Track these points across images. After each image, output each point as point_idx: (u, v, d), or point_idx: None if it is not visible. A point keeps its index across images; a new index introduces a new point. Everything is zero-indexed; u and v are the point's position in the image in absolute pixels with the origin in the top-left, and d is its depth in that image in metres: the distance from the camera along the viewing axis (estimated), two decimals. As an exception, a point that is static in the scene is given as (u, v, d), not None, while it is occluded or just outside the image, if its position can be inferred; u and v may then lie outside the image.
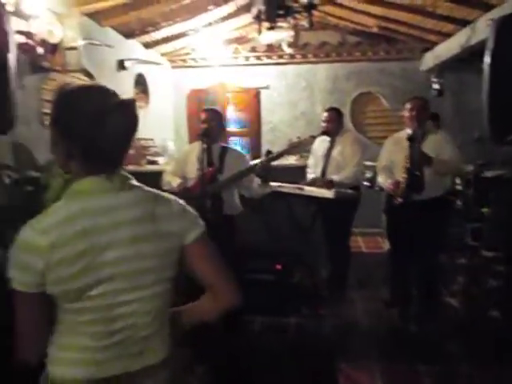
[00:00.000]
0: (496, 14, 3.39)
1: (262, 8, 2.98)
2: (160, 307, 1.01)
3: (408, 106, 3.10)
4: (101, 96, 0.95)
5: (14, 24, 2.52)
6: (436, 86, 5.00)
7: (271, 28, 3.10)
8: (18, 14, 2.60)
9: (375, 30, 5.21)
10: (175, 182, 2.70)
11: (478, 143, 3.77)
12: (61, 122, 0.94)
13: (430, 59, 5.26)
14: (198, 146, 2.63)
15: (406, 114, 3.11)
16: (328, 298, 3.38)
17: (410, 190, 2.86)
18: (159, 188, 1.07)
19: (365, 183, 4.18)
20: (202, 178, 2.45)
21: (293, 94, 5.97)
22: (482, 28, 3.74)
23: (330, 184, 3.35)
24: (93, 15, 3.82)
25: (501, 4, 3.51)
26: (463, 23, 4.19)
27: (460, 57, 4.52)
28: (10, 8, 2.42)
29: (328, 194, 3.14)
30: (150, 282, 0.96)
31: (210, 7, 4.51)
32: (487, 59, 2.24)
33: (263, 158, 2.62)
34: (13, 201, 2.36)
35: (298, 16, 3.99)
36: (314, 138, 3.70)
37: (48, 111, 3.28)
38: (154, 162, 4.46)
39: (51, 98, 3.37)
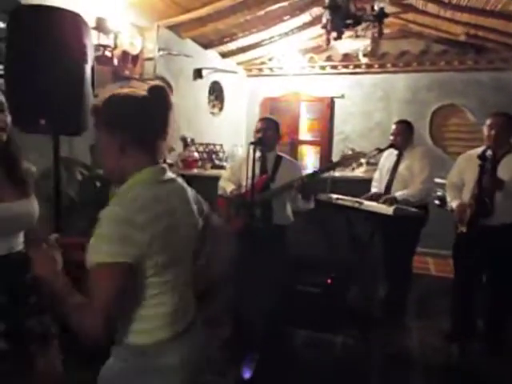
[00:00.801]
0: None
1: (329, 18, 2.95)
2: (191, 272, 1.23)
3: (488, 122, 2.84)
4: (138, 94, 1.10)
5: (97, 38, 2.81)
6: (530, 100, 4.48)
7: (337, 38, 3.04)
8: (101, 28, 2.88)
9: (463, 38, 4.84)
10: (229, 187, 2.78)
11: None
12: (112, 120, 1.07)
13: (525, 69, 4.75)
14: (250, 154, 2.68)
15: (485, 131, 2.85)
16: (381, 322, 3.20)
17: (477, 218, 2.61)
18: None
19: (435, 202, 3.89)
20: (252, 185, 2.48)
21: (368, 104, 5.79)
22: None
23: (392, 201, 3.19)
24: (173, 28, 4.10)
25: None
26: None
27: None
28: (93, 24, 2.71)
29: (387, 210, 2.98)
30: (191, 251, 1.21)
31: (285, 17, 4.57)
32: None
33: (307, 172, 2.59)
34: (83, 195, 2.62)
35: (375, 24, 3.87)
36: (380, 150, 3.57)
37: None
38: (221, 167, 4.61)
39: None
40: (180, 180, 1.20)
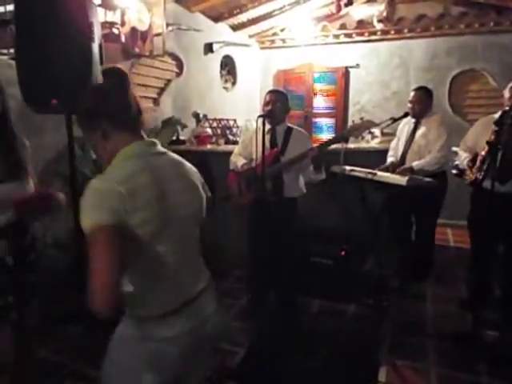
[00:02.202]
0: None
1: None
2: (198, 245, 1.28)
3: (510, 84, 2.73)
4: (106, 77, 1.22)
5: (103, 15, 2.81)
6: (555, 61, 4.26)
7: (348, 4, 2.94)
8: (107, 5, 2.88)
9: (483, -2, 4.62)
10: (240, 162, 2.80)
11: None
12: (86, 116, 1.14)
13: (551, 29, 4.50)
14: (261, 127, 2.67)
15: (507, 94, 2.75)
16: (396, 291, 3.22)
17: (493, 175, 2.53)
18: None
19: (453, 171, 3.80)
20: (262, 159, 2.48)
21: (384, 72, 5.62)
22: None
23: (408, 171, 3.15)
24: (182, 1, 4.04)
25: None
26: None
27: None
28: (98, 1, 2.70)
29: (401, 180, 2.94)
30: (195, 224, 1.24)
31: (295, -15, 4.44)
32: None
33: (316, 145, 2.57)
34: (98, 173, 2.68)
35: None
36: (394, 120, 3.49)
37: (138, 94, 3.61)
38: (235, 142, 4.61)
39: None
40: (172, 154, 1.23)
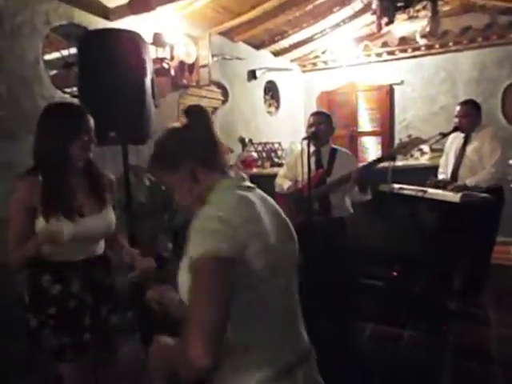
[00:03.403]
0: None
1: (378, 3, 2.88)
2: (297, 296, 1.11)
3: None
4: (176, 125, 1.11)
5: (154, 52, 3.01)
6: None
7: (389, 23, 2.96)
8: (158, 42, 3.08)
9: (533, 5, 4.44)
10: (286, 184, 2.83)
11: None
12: (171, 160, 1.06)
13: None
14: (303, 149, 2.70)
15: None
16: (457, 315, 3.05)
17: None
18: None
19: (511, 185, 3.61)
20: (309, 180, 2.50)
21: (430, 87, 5.50)
22: None
23: (461, 188, 3.02)
24: (225, 33, 4.24)
25: None
26: None
27: None
28: (150, 39, 2.91)
29: (454, 198, 2.84)
30: (292, 268, 1.07)
31: (334, 9, 4.52)
32: None
33: (362, 165, 2.55)
34: (152, 199, 2.83)
35: (427, 4, 3.70)
36: (444, 135, 3.40)
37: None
38: (280, 165, 4.67)
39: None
40: (258, 190, 1.12)
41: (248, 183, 1.09)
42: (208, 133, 1.08)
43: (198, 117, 1.09)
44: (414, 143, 2.52)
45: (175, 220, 2.78)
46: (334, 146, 2.82)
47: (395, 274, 3.04)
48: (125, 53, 2.24)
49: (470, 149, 3.25)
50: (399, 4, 2.87)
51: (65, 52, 2.94)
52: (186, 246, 0.95)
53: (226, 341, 0.86)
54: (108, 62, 2.19)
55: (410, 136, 2.99)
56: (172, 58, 3.36)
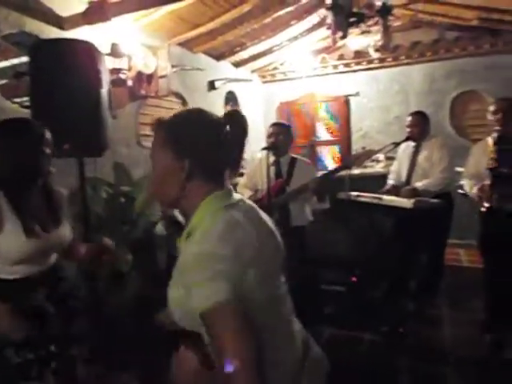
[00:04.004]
0: None
1: (333, 18, 2.99)
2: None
3: (492, 108, 2.82)
4: (216, 117, 1.01)
5: (111, 62, 2.97)
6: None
7: (343, 37, 3.08)
8: (115, 53, 3.04)
9: (475, 22, 4.74)
10: (246, 194, 2.85)
11: None
12: (184, 142, 0.95)
13: (545, 48, 4.60)
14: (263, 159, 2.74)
15: (490, 117, 2.83)
16: (412, 316, 3.17)
17: (500, 196, 2.57)
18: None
19: (459, 191, 3.82)
20: (268, 190, 2.54)
21: (385, 98, 5.74)
22: None
23: (413, 192, 3.18)
24: (185, 44, 4.25)
25: None
26: None
27: None
28: (106, 50, 2.87)
29: (407, 203, 2.98)
30: (282, 278, 1.06)
31: (292, 22, 4.64)
32: None
33: (319, 175, 2.63)
34: (109, 212, 2.76)
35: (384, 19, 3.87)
36: (396, 144, 3.56)
37: (145, 133, 3.73)
38: (241, 175, 4.70)
39: (151, 121, 3.85)
40: (245, 200, 1.06)
41: (236, 196, 1.01)
42: (237, 145, 1.00)
43: (237, 124, 1.01)
44: (367, 154, 2.63)
45: (135, 232, 2.73)
46: (293, 155, 2.88)
47: (355, 279, 3.12)
48: (79, 63, 2.19)
49: (421, 157, 3.42)
50: (352, 19, 2.99)
51: (15, 61, 2.84)
52: (177, 262, 0.94)
53: None
54: (61, 72, 2.14)
55: (364, 148, 3.12)
56: (130, 69, 3.32)
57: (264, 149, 2.55)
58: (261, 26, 4.43)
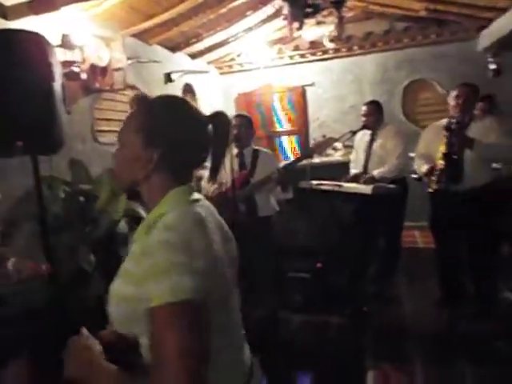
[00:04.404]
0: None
1: (289, 9, 3.01)
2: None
3: (454, 93, 2.94)
4: (195, 110, 0.97)
5: (63, 55, 2.84)
6: (493, 66, 4.63)
7: (300, 28, 3.12)
8: (66, 45, 2.90)
9: (423, 13, 4.94)
10: (211, 187, 2.84)
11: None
12: (157, 132, 0.91)
13: (486, 38, 4.87)
14: (229, 152, 2.74)
15: (452, 101, 2.96)
16: (374, 297, 3.32)
17: (447, 178, 2.73)
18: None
19: (413, 176, 4.01)
20: (233, 182, 2.55)
21: (340, 88, 5.88)
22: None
23: (371, 180, 3.30)
24: (139, 35, 4.11)
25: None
26: (519, -5, 3.85)
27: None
28: (57, 41, 2.73)
29: (366, 189, 3.09)
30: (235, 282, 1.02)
31: (248, 12, 4.62)
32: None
33: (282, 164, 2.67)
34: (68, 211, 2.66)
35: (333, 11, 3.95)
36: (353, 133, 3.67)
37: (101, 128, 3.60)
38: (202, 168, 4.66)
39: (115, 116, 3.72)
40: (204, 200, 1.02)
41: (196, 195, 0.98)
42: (220, 145, 0.99)
43: (221, 126, 0.99)
44: (327, 143, 2.69)
45: (97, 231, 2.64)
46: (255, 147, 2.90)
47: (319, 265, 3.21)
48: (28, 55, 2.07)
49: (376, 145, 3.55)
50: (308, 10, 3.03)
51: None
52: (125, 255, 0.90)
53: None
54: (9, 66, 2.01)
55: (324, 136, 3.19)
56: (82, 61, 3.18)
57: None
58: (217, 17, 4.38)
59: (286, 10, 3.22)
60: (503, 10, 4.26)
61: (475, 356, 2.45)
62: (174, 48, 4.83)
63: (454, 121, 2.84)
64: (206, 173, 3.10)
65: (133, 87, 3.97)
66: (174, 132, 0.92)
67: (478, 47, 5.12)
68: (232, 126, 2.71)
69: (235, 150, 2.71)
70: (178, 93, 5.05)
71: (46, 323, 2.28)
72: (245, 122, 2.80)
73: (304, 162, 2.92)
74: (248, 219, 2.69)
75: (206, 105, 5.65)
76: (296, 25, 3.14)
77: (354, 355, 2.46)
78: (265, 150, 2.94)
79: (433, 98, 5.50)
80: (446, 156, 2.74)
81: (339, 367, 2.25)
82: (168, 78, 4.64)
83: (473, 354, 2.47)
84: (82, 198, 2.72)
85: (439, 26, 5.23)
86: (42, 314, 2.18)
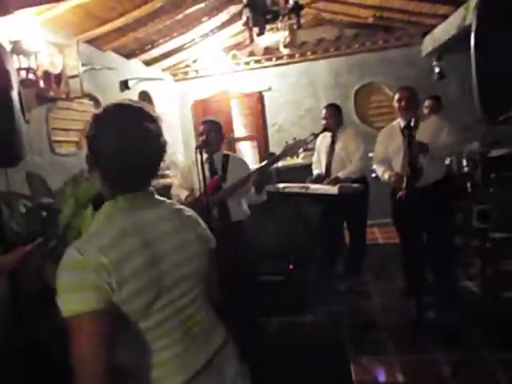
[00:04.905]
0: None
1: (250, 15, 3.05)
2: (206, 302, 1.11)
3: (396, 96, 3.11)
4: (128, 115, 1.00)
5: (16, 61, 2.68)
6: (437, 70, 4.95)
7: (260, 34, 3.16)
8: (18, 51, 2.74)
9: (371, 20, 5.19)
10: (183, 194, 2.80)
11: (480, 124, 3.73)
12: (94, 144, 0.97)
13: (429, 43, 5.21)
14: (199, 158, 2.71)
15: (396, 104, 3.11)
16: (344, 294, 3.41)
17: (413, 183, 2.88)
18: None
19: (372, 175, 4.18)
20: (205, 188, 2.52)
21: (296, 93, 6.01)
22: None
23: (336, 181, 3.39)
24: (93, 41, 3.98)
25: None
26: (458, 3, 4.14)
27: (460, 37, 4.46)
28: (9, 47, 2.58)
29: (332, 190, 3.18)
30: (198, 282, 1.07)
31: (203, 19, 4.62)
32: (472, 40, 2.24)
33: (257, 166, 2.69)
34: (29, 227, 2.50)
35: (291, 16, 4.04)
36: (315, 135, 3.75)
37: (59, 139, 3.42)
38: (164, 176, 4.57)
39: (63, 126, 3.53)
40: (169, 204, 1.08)
41: (151, 200, 1.03)
42: (140, 148, 0.99)
43: (130, 117, 0.99)
44: (298, 145, 2.74)
45: (62, 247, 2.50)
46: (225, 152, 2.89)
47: (291, 267, 3.25)
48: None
49: (338, 147, 3.66)
50: (268, 16, 3.08)
51: None
52: None
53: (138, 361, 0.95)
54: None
55: (294, 139, 3.25)
56: (37, 68, 3.01)
57: (197, 147, 2.52)
58: (172, 23, 4.34)
59: (245, 16, 3.25)
60: (444, 17, 4.57)
61: (444, 342, 2.59)
62: (128, 55, 4.72)
63: (403, 125, 2.97)
64: (175, 180, 3.05)
65: (89, 95, 3.82)
66: (106, 148, 0.96)
67: (423, 52, 5.46)
68: (200, 132, 2.69)
69: (205, 156, 2.67)
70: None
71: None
72: (214, 127, 2.78)
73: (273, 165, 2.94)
74: (221, 225, 2.67)
75: (163, 112, 5.55)
76: (256, 31, 3.17)
77: (334, 351, 2.51)
78: (234, 155, 2.95)
79: (383, 101, 5.78)
80: (410, 164, 2.87)
81: (322, 363, 2.29)
82: (125, 86, 4.52)
83: (441, 340, 2.61)
84: (43, 213, 2.56)
85: (386, 32, 5.52)
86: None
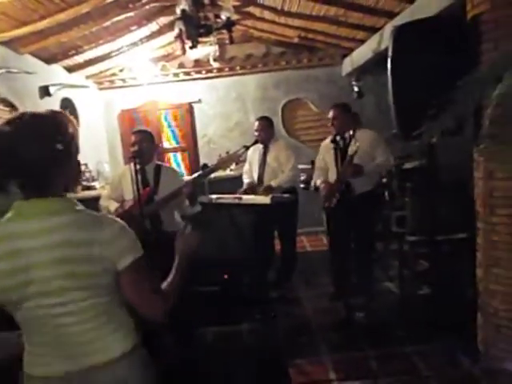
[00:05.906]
0: (398, 21, 3.75)
1: (183, 28, 3.07)
2: (99, 317, 1.09)
3: (330, 115, 3.33)
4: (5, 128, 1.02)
5: None
6: (356, 89, 5.36)
7: (193, 47, 3.19)
8: None
9: (296, 40, 5.49)
10: (112, 206, 2.70)
11: (396, 139, 4.11)
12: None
13: (348, 64, 5.63)
14: (130, 168, 2.64)
15: (330, 123, 3.34)
16: (277, 300, 3.51)
17: (344, 196, 3.09)
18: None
19: (301, 185, 4.39)
20: (137, 199, 2.46)
21: (225, 105, 6.11)
22: (388, 34, 4.10)
23: (269, 190, 3.50)
24: (9, 43, 3.71)
25: (402, 12, 3.88)
26: (373, 30, 4.56)
27: (375, 60, 4.89)
28: None
29: (265, 200, 3.27)
30: (84, 298, 1.06)
31: (132, 28, 4.53)
32: (388, 65, 2.51)
33: (190, 178, 2.70)
34: None
35: (222, 31, 4.13)
36: (247, 147, 3.85)
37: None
38: (90, 188, 4.36)
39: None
40: (88, 215, 1.08)
41: (73, 206, 1.06)
42: (32, 158, 1.01)
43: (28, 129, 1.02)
44: (231, 158, 2.80)
45: None
46: (158, 162, 2.84)
47: (226, 276, 3.27)
48: None
49: (270, 158, 3.80)
50: (201, 30, 3.12)
51: None
52: None
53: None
54: None
55: (228, 152, 3.30)
56: None
57: (130, 158, 2.45)
58: (99, 30, 4.20)
59: (177, 28, 3.27)
60: (361, 41, 4.99)
61: (372, 339, 2.79)
62: (49, 59, 4.45)
63: (339, 139, 3.19)
64: (104, 192, 2.93)
65: (4, 100, 3.54)
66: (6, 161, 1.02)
67: (343, 72, 5.88)
68: (132, 142, 2.63)
69: (136, 167, 2.61)
70: (56, 107, 4.65)
71: None
72: (146, 137, 2.73)
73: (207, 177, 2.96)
74: (153, 236, 2.61)
75: (87, 121, 5.30)
76: (189, 43, 3.20)
77: (272, 356, 2.56)
78: (167, 165, 2.91)
79: (308, 116, 6.10)
80: (342, 182, 3.08)
81: (262, 369, 2.32)
82: (45, 92, 4.25)
83: (370, 338, 2.81)
84: None
85: (310, 52, 5.86)
86: None
